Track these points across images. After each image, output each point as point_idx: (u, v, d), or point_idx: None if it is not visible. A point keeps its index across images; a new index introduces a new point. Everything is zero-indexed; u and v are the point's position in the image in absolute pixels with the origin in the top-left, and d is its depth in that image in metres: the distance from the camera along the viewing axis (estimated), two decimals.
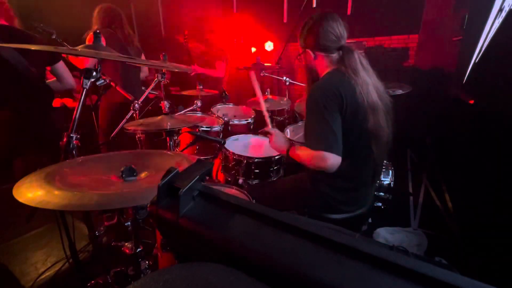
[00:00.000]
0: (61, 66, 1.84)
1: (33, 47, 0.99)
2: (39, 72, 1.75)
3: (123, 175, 0.90)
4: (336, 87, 1.20)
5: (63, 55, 1.96)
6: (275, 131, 1.47)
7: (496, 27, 2.06)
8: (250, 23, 4.76)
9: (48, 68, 1.81)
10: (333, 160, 1.18)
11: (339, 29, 1.28)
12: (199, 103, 2.30)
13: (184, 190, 0.43)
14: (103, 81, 1.23)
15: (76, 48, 1.09)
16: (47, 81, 1.88)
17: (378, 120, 1.25)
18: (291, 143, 1.42)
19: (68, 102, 3.44)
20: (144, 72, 2.69)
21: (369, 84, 1.25)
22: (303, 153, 1.28)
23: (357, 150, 1.29)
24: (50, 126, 1.86)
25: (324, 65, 1.33)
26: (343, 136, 1.22)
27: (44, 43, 1.74)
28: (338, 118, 1.21)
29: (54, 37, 2.05)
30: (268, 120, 1.57)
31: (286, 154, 1.39)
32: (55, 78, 1.88)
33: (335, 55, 1.30)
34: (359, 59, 1.28)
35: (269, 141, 1.48)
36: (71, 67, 2.09)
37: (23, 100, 1.70)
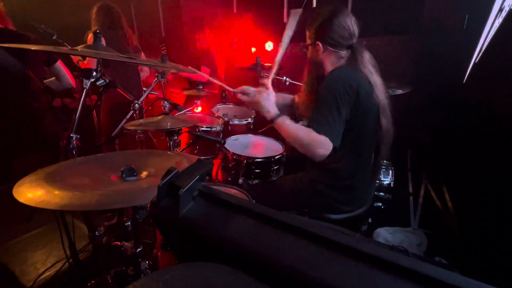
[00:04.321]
0: (59, 65, 1.84)
1: (33, 47, 0.99)
2: (38, 74, 1.74)
3: (123, 175, 0.90)
4: (354, 82, 1.18)
5: (73, 58, 1.95)
6: (271, 91, 1.29)
7: (496, 27, 2.06)
8: (250, 23, 4.76)
9: (48, 69, 1.81)
10: (329, 149, 1.14)
11: (353, 26, 1.25)
12: (199, 103, 2.30)
13: (184, 190, 0.43)
14: (103, 81, 1.23)
15: (76, 48, 1.10)
16: (46, 80, 1.87)
17: (387, 120, 1.25)
18: (278, 113, 1.26)
19: (69, 102, 3.45)
20: (145, 72, 2.69)
21: (380, 85, 1.25)
22: (300, 131, 1.18)
23: (359, 149, 1.29)
24: (50, 126, 1.85)
25: (332, 61, 1.30)
26: (348, 133, 1.21)
27: (42, 43, 1.73)
28: (347, 112, 1.18)
29: (55, 38, 2.05)
30: (272, 73, 1.34)
31: (272, 120, 1.25)
32: (53, 78, 1.88)
33: (344, 52, 1.28)
34: (370, 59, 1.27)
35: (257, 96, 1.28)
36: (72, 67, 2.09)
37: (22, 103, 1.69)
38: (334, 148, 1.16)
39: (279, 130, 1.24)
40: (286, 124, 1.22)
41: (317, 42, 1.29)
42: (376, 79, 1.24)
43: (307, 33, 1.35)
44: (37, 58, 1.72)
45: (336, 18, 1.23)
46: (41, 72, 1.80)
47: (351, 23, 1.24)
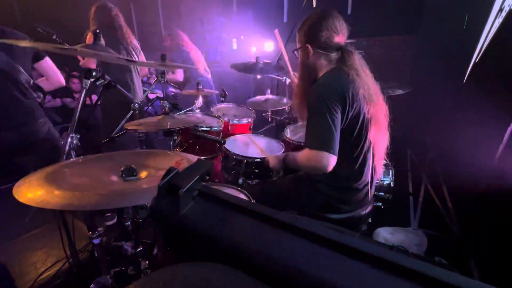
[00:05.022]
0: (47, 63, 1.78)
1: (27, 44, 0.99)
2: (26, 68, 1.71)
3: (123, 175, 0.90)
4: (340, 86, 1.19)
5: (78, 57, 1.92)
6: (266, 156, 1.51)
7: (496, 27, 2.06)
8: (250, 23, 4.77)
9: (35, 65, 1.76)
10: (328, 160, 1.16)
11: (341, 28, 1.26)
12: (199, 103, 2.30)
13: (184, 190, 0.43)
14: (103, 81, 1.23)
15: (76, 47, 1.09)
16: (37, 80, 1.84)
17: (378, 120, 1.25)
18: (283, 154, 1.42)
19: (69, 102, 3.45)
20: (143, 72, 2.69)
21: (370, 86, 1.25)
22: (299, 155, 1.27)
23: (358, 150, 1.29)
24: (45, 124, 1.84)
25: (322, 64, 1.31)
26: (344, 135, 1.21)
27: (29, 38, 1.69)
28: (338, 117, 1.19)
29: (54, 37, 2.04)
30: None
31: (283, 164, 1.39)
32: (44, 77, 1.83)
33: (334, 55, 1.29)
34: (359, 61, 1.27)
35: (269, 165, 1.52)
36: (73, 67, 2.08)
37: (18, 102, 1.67)
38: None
39: (292, 166, 1.35)
40: (289, 158, 1.34)
41: (307, 44, 1.29)
42: (364, 80, 1.24)
43: (297, 36, 1.36)
44: (25, 52, 1.66)
45: (325, 20, 1.24)
46: (28, 66, 1.75)
47: (339, 25, 1.25)
